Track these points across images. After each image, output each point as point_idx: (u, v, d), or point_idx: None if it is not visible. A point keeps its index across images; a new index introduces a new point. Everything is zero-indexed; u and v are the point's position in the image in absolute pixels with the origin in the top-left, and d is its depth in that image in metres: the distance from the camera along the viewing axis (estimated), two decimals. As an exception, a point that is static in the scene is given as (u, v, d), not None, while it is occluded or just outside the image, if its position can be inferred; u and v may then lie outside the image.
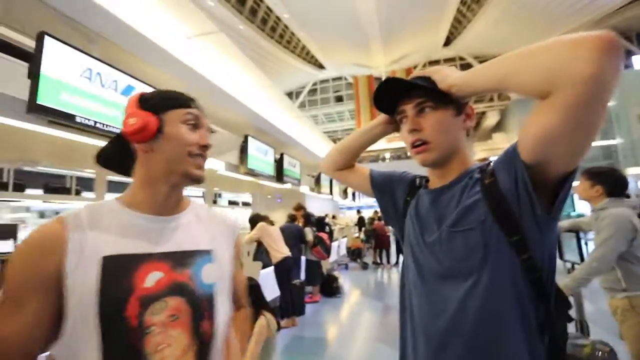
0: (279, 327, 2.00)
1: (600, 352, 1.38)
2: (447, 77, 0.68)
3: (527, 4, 16.97)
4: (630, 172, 13.63)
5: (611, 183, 1.83)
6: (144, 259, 0.60)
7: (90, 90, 2.87)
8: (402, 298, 0.80)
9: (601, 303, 2.22)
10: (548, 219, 0.60)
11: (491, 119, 22.67)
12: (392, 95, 0.76)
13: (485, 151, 20.43)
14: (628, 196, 1.92)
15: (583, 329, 2.05)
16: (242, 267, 0.86)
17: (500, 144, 20.64)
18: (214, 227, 0.74)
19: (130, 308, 0.55)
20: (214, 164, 5.08)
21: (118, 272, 0.57)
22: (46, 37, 2.49)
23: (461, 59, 24.49)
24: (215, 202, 7.83)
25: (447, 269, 0.67)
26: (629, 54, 16.05)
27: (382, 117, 0.86)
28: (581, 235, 2.19)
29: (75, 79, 2.73)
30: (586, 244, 2.31)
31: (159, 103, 0.66)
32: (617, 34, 0.44)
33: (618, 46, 0.44)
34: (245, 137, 5.58)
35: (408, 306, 0.76)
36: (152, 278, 0.59)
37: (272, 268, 3.90)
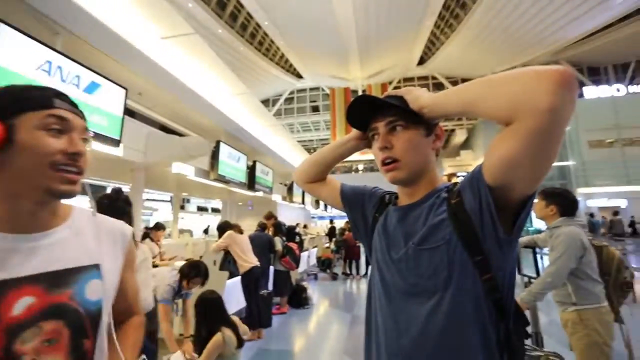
0: (241, 344, 1.92)
1: (552, 364, 1.46)
2: (419, 98, 0.70)
3: (494, 33, 18.22)
4: (581, 191, 14.87)
5: (564, 203, 1.96)
6: (9, 285, 0.53)
7: (48, 84, 2.69)
8: (368, 313, 0.80)
9: (554, 315, 2.35)
10: (509, 240, 0.62)
11: (459, 137, 23.79)
12: (365, 112, 0.77)
13: (453, 167, 21.33)
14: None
15: (538, 340, 2.15)
16: (134, 273, 0.81)
17: (467, 160, 21.68)
18: (102, 238, 0.68)
19: None
20: (183, 169, 4.91)
21: None
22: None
23: (433, 78, 25.70)
24: (182, 207, 7.54)
25: (412, 286, 0.68)
26: (581, 84, 17.61)
27: (354, 132, 0.87)
28: (537, 250, 2.32)
29: (31, 71, 2.55)
30: (541, 258, 2.44)
31: (8, 105, 0.56)
32: (571, 67, 0.48)
33: (574, 81, 0.48)
34: (217, 143, 5.46)
35: (373, 322, 0.76)
36: (21, 305, 0.53)
37: (239, 278, 3.79)
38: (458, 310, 0.62)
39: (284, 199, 8.98)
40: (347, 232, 8.36)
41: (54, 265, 0.58)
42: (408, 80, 26.71)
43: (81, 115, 0.63)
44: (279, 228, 5.11)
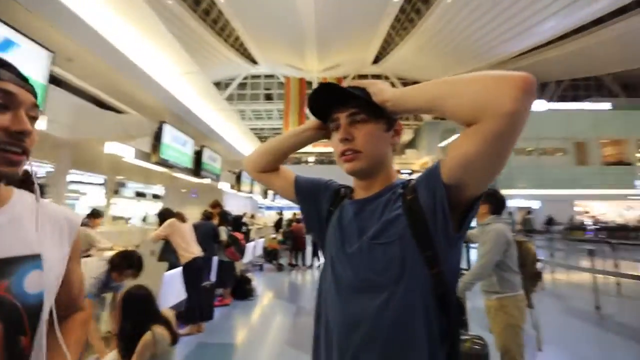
0: (175, 340, 1.82)
1: (477, 346, 1.63)
2: (383, 92, 0.69)
3: (444, 41, 19.49)
4: (504, 192, 16.91)
5: (495, 203, 2.18)
6: None
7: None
8: (317, 307, 0.79)
9: (475, 301, 2.62)
10: (457, 236, 0.65)
11: (405, 136, 25.16)
12: (327, 102, 0.75)
13: (398, 164, 22.54)
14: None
15: (464, 325, 2.39)
16: (79, 265, 0.76)
17: (411, 159, 23.05)
18: (46, 225, 0.63)
19: None
20: (119, 150, 4.45)
21: None
22: None
23: (386, 77, 26.62)
24: (117, 192, 6.88)
25: (364, 280, 0.68)
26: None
27: (313, 121, 0.85)
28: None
29: None
30: (468, 251, 2.71)
31: None
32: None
33: (535, 88, 0.51)
34: (161, 124, 5.05)
35: (323, 316, 0.75)
36: None
37: (179, 269, 3.58)
38: (408, 305, 0.63)
39: (232, 187, 8.68)
40: (294, 223, 8.39)
41: None
42: (362, 77, 27.33)
43: (30, 89, 0.58)
44: (224, 217, 4.96)
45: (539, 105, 18.86)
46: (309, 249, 8.39)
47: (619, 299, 4.99)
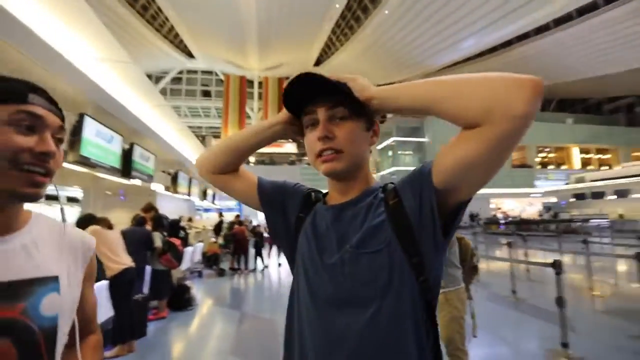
0: None
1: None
2: (367, 88, 0.64)
3: (381, 49, 20.65)
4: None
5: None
6: None
7: None
8: (288, 325, 0.73)
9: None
10: (443, 242, 0.62)
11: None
12: (302, 94, 0.68)
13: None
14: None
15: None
16: (93, 288, 0.75)
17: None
18: (63, 248, 0.63)
19: None
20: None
21: None
22: None
23: (327, 81, 27.19)
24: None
25: (347, 294, 0.63)
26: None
27: (283, 115, 0.76)
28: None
29: None
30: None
31: None
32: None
33: (543, 91, 0.50)
34: (81, 116, 4.38)
35: (297, 335, 0.69)
36: None
37: (104, 282, 3.14)
38: (397, 319, 0.60)
39: (167, 189, 7.98)
40: (236, 226, 8.08)
41: (6, 275, 0.53)
42: (304, 79, 27.54)
43: (57, 112, 0.60)
44: (159, 222, 4.54)
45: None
46: (252, 252, 8.14)
47: (530, 283, 5.76)
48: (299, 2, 17.36)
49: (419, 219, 0.61)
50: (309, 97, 0.68)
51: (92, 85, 4.21)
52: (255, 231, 8.71)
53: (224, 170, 0.82)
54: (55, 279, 0.58)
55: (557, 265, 3.04)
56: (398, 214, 0.63)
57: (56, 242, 0.63)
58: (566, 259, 7.48)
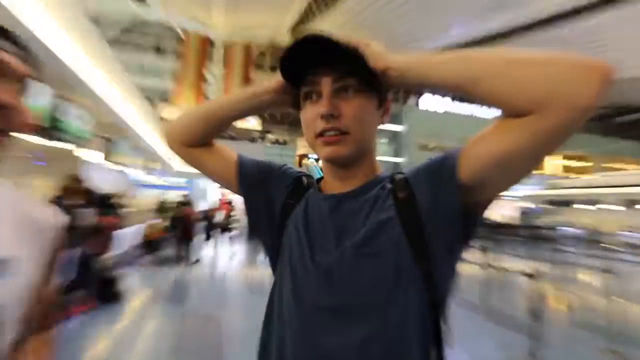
0: None
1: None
2: (384, 56, 0.57)
3: (366, 25, 20.47)
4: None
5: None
6: None
7: None
8: (265, 336, 0.68)
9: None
10: (461, 247, 0.60)
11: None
12: (304, 58, 0.61)
13: (307, 148, 23.14)
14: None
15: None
16: (55, 276, 0.69)
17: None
18: (23, 225, 0.60)
19: None
20: None
21: None
22: None
23: (303, 53, 26.72)
24: None
25: (341, 301, 0.59)
26: (420, 94, 22.10)
27: (274, 83, 0.69)
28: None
29: None
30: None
31: None
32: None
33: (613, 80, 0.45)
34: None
35: (275, 350, 0.64)
36: None
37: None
38: (401, 335, 0.56)
39: (105, 158, 7.39)
40: (184, 207, 7.71)
41: None
42: (276, 46, 26.83)
43: (22, 56, 0.56)
44: (89, 196, 4.21)
45: (441, 105, 21.97)
46: (197, 239, 7.84)
47: (500, 289, 6.09)
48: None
49: (434, 220, 0.57)
50: (310, 63, 0.62)
51: (11, 19, 3.63)
52: (208, 216, 8.48)
53: (197, 142, 0.77)
54: (6, 262, 0.55)
55: (532, 275, 3.18)
56: (408, 210, 0.59)
57: (15, 218, 0.59)
58: (535, 266, 7.97)
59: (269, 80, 0.70)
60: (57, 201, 3.62)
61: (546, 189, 22.65)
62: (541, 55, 0.48)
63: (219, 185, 0.83)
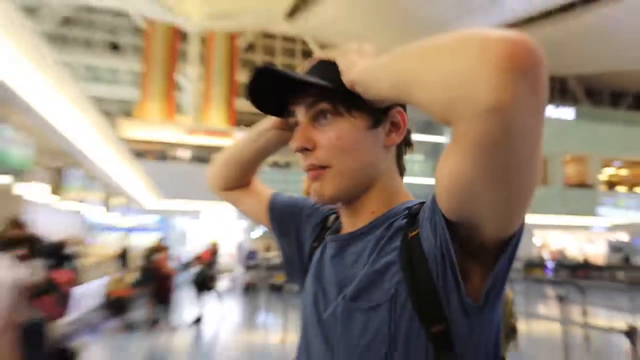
0: None
1: None
2: (353, 66, 0.65)
3: (384, 2, 20.88)
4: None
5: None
6: None
7: None
8: None
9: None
10: (479, 307, 0.58)
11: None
12: (279, 88, 0.72)
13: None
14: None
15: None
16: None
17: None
18: None
19: None
20: None
21: None
22: None
23: (304, 42, 27.31)
24: None
25: None
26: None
27: (271, 119, 0.85)
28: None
29: None
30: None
31: None
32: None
33: (536, 59, 0.42)
34: None
35: None
36: None
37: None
38: None
39: (51, 192, 7.66)
40: (157, 255, 7.84)
41: None
42: (269, 37, 27.56)
43: None
44: (35, 246, 4.34)
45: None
46: (184, 297, 7.91)
47: (590, 355, 5.95)
48: None
49: (441, 267, 0.58)
50: (289, 90, 0.72)
51: None
52: (203, 261, 8.65)
53: (232, 185, 0.99)
54: None
55: (633, 333, 3.11)
56: (414, 255, 0.61)
57: None
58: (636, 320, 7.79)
59: (267, 118, 0.85)
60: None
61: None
62: (447, 40, 0.48)
63: (258, 224, 1.02)
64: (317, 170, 0.70)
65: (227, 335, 7.20)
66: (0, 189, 6.74)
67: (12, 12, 5.24)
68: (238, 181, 0.98)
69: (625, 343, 3.11)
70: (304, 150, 0.70)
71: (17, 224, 4.44)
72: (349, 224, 0.76)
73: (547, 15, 20.56)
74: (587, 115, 24.39)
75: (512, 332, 2.53)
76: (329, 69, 0.68)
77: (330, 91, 0.67)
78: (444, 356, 0.58)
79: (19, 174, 6.68)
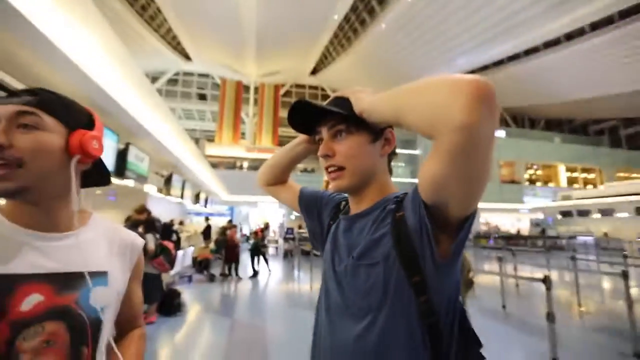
0: None
1: None
2: (360, 101, 0.66)
3: (376, 61, 20.87)
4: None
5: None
6: (22, 279, 0.55)
7: None
8: (315, 327, 0.78)
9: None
10: (446, 264, 0.58)
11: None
12: (310, 114, 0.73)
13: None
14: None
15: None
16: (140, 286, 0.81)
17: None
18: (114, 246, 0.70)
19: None
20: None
21: None
22: None
23: (322, 89, 27.38)
24: None
25: (348, 303, 0.66)
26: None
27: (302, 136, 0.86)
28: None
29: None
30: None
31: None
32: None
33: (491, 93, 0.44)
34: (77, 113, 4.27)
35: (318, 337, 0.75)
36: (29, 301, 0.54)
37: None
38: (389, 334, 0.59)
39: (159, 191, 7.82)
40: (228, 232, 7.93)
41: (69, 267, 0.60)
42: (300, 86, 27.70)
43: (10, 100, 0.57)
44: (152, 224, 4.42)
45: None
46: (247, 260, 7.98)
47: (519, 297, 5.80)
48: (299, 12, 17.53)
49: (420, 236, 0.58)
50: (316, 116, 0.73)
51: (87, 80, 4.11)
52: (258, 235, 8.63)
53: (272, 182, 0.99)
54: (104, 274, 0.64)
55: (547, 281, 3.04)
56: (401, 228, 0.62)
57: (109, 241, 0.69)
58: (554, 275, 7.58)
59: (300, 135, 0.86)
60: (130, 228, 3.91)
61: (559, 200, 21.42)
62: (429, 82, 0.50)
63: (293, 210, 0.99)
64: (337, 171, 0.70)
65: (273, 285, 7.21)
66: (133, 189, 6.89)
67: (143, 77, 5.39)
68: (278, 179, 0.98)
69: (542, 288, 3.07)
70: (327, 156, 0.71)
71: (143, 209, 4.53)
72: (355, 208, 0.75)
73: (484, 68, 20.65)
74: (514, 134, 24.91)
75: (470, 283, 2.48)
76: (343, 102, 0.69)
77: (344, 117, 0.68)
78: (422, 298, 0.58)
79: (143, 178, 6.84)
